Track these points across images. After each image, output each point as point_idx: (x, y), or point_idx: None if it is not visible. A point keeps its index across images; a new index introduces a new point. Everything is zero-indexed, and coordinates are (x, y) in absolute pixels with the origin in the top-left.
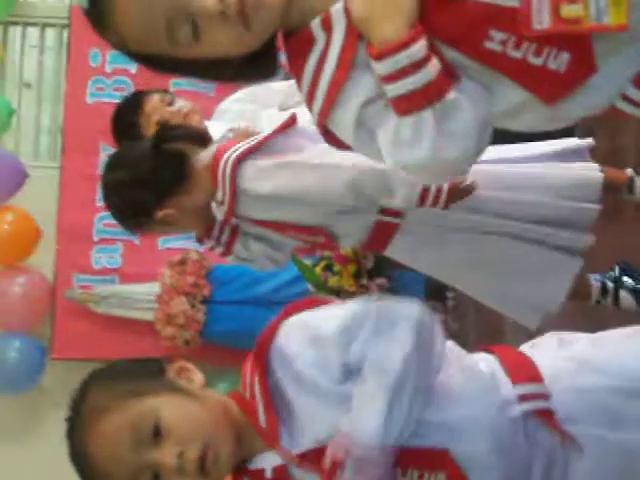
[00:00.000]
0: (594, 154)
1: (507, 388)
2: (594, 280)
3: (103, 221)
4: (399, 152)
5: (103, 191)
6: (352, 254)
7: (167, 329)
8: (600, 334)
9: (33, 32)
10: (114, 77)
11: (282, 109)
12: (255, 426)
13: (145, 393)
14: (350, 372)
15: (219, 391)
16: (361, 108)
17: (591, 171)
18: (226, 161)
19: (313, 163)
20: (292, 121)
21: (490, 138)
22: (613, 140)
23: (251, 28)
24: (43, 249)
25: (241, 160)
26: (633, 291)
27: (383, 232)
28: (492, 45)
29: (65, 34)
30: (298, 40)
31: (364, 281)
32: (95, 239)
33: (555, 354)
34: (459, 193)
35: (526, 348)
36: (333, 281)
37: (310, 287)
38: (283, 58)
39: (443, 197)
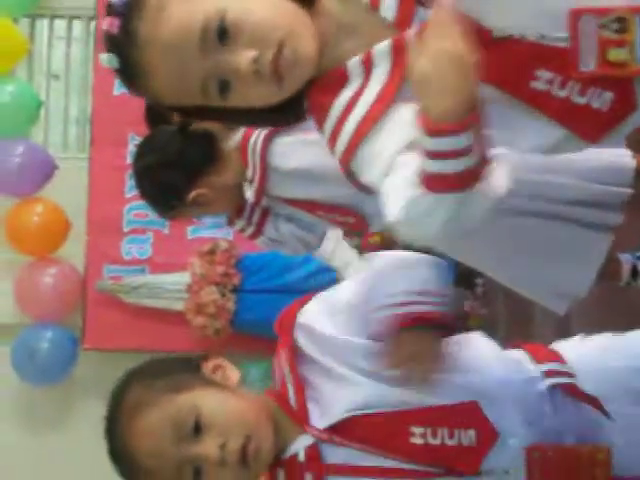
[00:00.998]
0: (627, 141)
1: (532, 367)
2: (625, 261)
3: (133, 212)
4: (405, 217)
5: (134, 177)
6: (381, 242)
7: (198, 319)
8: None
9: (60, 24)
10: None
11: None
12: (287, 409)
13: (184, 388)
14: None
15: (251, 379)
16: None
17: (623, 157)
18: (256, 138)
19: None
20: None
21: None
22: None
23: (284, 86)
24: (73, 240)
25: (271, 137)
26: None
27: None
28: (538, 85)
29: (92, 25)
30: (329, 78)
31: None
32: (125, 230)
33: (579, 345)
34: None
35: (554, 345)
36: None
37: (338, 275)
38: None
39: None
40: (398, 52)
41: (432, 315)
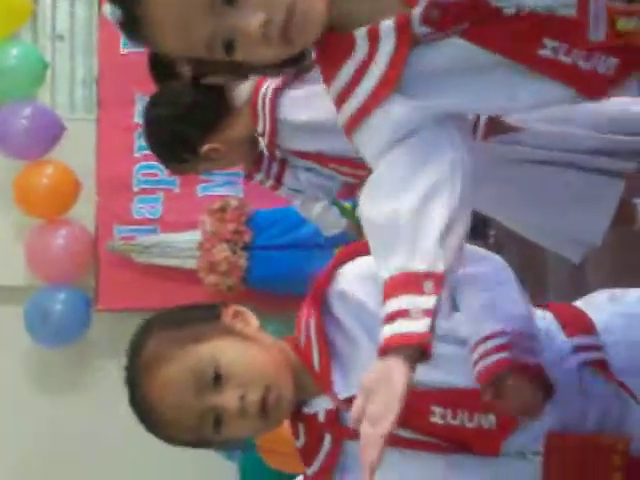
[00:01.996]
0: None
1: (562, 340)
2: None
3: (142, 171)
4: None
5: (145, 130)
6: None
7: (210, 277)
8: None
9: None
10: None
11: None
12: (310, 369)
13: (203, 338)
14: None
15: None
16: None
17: (634, 105)
18: (265, 91)
19: None
20: None
21: None
22: None
23: (291, 48)
24: (83, 201)
25: (281, 90)
26: None
27: None
28: (545, 52)
29: None
30: (336, 43)
31: None
32: (135, 189)
33: (607, 309)
34: (499, 127)
35: (579, 304)
36: None
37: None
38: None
39: (481, 129)
40: (402, 31)
41: (535, 368)
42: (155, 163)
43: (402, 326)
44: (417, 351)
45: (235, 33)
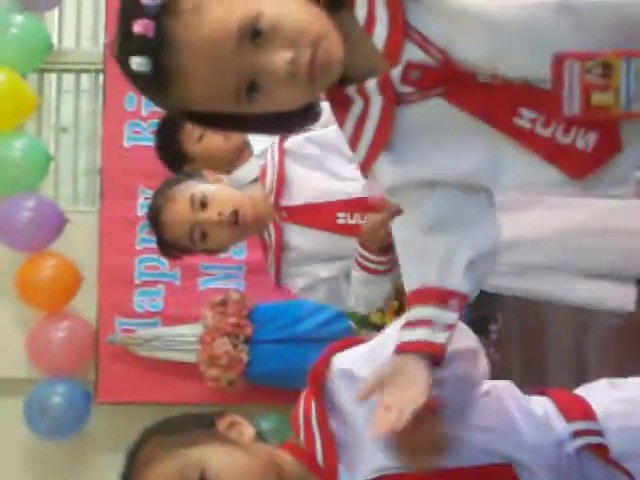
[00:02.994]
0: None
1: (561, 426)
2: None
3: (144, 264)
4: None
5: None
6: (394, 290)
7: (211, 370)
8: None
9: (68, 78)
10: (150, 120)
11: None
12: (314, 469)
13: (193, 443)
14: None
15: (264, 430)
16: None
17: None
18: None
19: None
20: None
21: None
22: None
23: (315, 88)
24: (85, 294)
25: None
26: None
27: None
28: (522, 122)
29: (100, 79)
30: (338, 95)
31: None
32: (136, 282)
33: (607, 396)
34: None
35: (579, 391)
36: (375, 317)
37: (352, 324)
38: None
39: None
40: (385, 90)
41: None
42: (157, 256)
43: (425, 334)
44: (431, 360)
45: (263, 73)
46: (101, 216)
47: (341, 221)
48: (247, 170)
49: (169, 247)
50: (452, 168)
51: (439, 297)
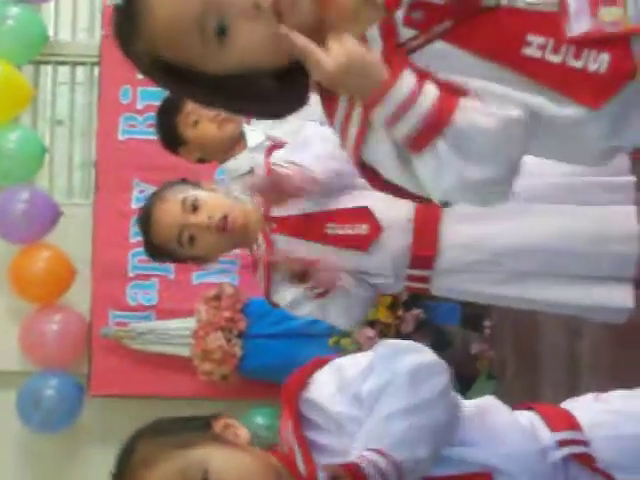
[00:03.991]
0: None
1: (546, 436)
2: None
3: (138, 257)
4: (435, 187)
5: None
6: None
7: (204, 365)
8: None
9: (64, 70)
10: (146, 114)
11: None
12: (297, 477)
13: (192, 444)
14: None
15: (257, 426)
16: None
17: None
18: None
19: None
20: None
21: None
22: None
23: (285, 25)
24: (78, 286)
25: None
26: None
27: (417, 287)
28: (530, 51)
29: (96, 71)
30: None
31: (399, 312)
32: (130, 275)
33: (592, 408)
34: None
35: (565, 404)
36: (369, 313)
37: None
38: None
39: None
40: (387, 34)
41: None
42: None
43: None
44: None
45: (227, 6)
46: (95, 209)
47: (331, 232)
48: (240, 162)
49: (156, 249)
50: None
51: None
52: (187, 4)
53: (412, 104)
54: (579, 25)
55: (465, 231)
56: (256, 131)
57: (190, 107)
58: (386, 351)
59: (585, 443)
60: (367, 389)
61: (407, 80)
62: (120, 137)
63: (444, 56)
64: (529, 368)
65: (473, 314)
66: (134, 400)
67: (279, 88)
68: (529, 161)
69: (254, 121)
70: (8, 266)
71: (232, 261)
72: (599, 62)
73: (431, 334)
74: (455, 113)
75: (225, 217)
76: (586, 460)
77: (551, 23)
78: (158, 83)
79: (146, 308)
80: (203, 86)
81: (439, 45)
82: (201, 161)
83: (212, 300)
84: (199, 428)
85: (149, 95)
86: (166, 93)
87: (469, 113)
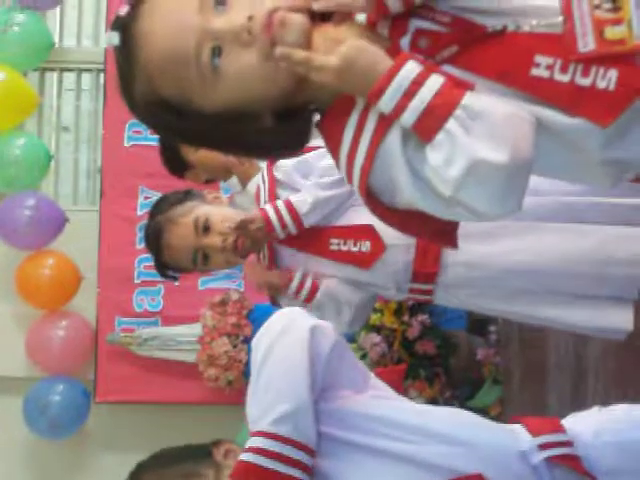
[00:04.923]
0: None
1: (526, 440)
2: None
3: (144, 263)
4: (445, 177)
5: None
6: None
7: (210, 370)
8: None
9: (69, 77)
10: None
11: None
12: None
13: (194, 475)
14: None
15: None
16: (402, 147)
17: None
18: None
19: None
20: None
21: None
22: None
23: (274, 52)
24: (85, 293)
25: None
26: None
27: (420, 299)
28: (539, 71)
29: (101, 78)
30: (339, 104)
31: (405, 318)
32: (136, 281)
33: (596, 417)
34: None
35: (568, 418)
36: (374, 318)
37: None
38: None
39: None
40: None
41: None
42: None
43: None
44: None
45: (221, 33)
46: (101, 215)
47: (334, 247)
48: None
49: (168, 268)
50: None
51: None
52: (182, 36)
53: (424, 80)
54: (585, 45)
55: (469, 249)
56: None
57: None
58: None
59: (568, 444)
60: None
61: (415, 64)
62: (126, 144)
63: None
64: (535, 373)
65: (479, 319)
66: (140, 406)
67: (279, 127)
68: (534, 179)
69: None
70: (14, 273)
71: (238, 266)
72: (607, 79)
73: (437, 339)
74: (467, 94)
75: (237, 239)
76: (569, 460)
77: (557, 43)
78: (155, 129)
79: (152, 314)
80: (201, 124)
81: (447, 68)
82: (209, 182)
83: (218, 306)
84: (201, 456)
85: None
86: None
87: (480, 96)
